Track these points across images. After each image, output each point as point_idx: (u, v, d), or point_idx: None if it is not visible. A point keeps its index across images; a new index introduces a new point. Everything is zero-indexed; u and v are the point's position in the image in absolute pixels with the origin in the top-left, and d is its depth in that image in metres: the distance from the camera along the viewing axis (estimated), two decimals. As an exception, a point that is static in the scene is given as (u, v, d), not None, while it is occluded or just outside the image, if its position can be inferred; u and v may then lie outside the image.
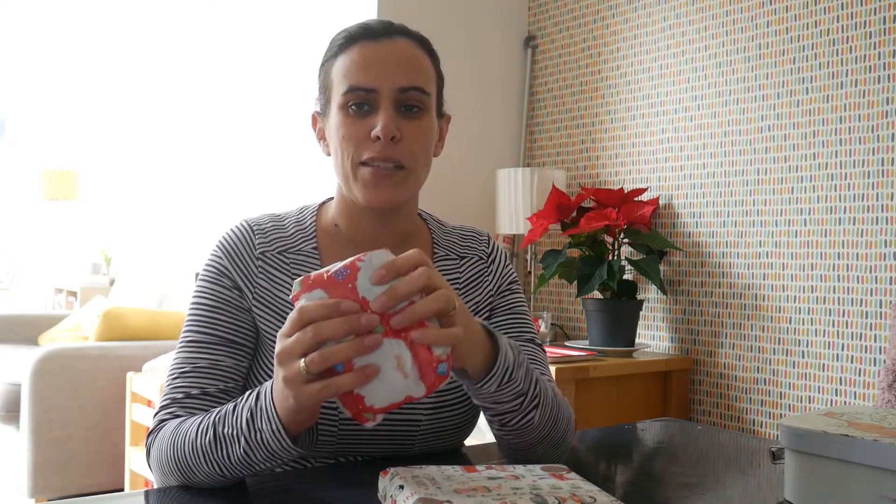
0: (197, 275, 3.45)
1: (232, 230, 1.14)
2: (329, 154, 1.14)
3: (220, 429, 0.93)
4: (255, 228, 1.14)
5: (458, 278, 1.19)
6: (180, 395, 1.05)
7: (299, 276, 1.12)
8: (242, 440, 0.91)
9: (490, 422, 1.04)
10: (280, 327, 1.10)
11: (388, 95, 1.06)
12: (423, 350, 0.81)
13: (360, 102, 1.07)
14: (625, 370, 2.55)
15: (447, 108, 1.20)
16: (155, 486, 1.04)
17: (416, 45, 1.11)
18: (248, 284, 1.11)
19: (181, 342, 1.09)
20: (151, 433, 1.05)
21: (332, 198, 1.19)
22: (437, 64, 1.15)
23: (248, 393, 0.94)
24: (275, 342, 1.09)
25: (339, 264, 0.82)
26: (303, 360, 0.80)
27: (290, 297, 0.81)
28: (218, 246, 1.13)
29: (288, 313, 1.10)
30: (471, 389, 0.97)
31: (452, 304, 0.83)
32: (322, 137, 1.16)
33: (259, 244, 1.12)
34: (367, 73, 1.07)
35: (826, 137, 2.39)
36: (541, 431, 1.03)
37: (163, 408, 1.06)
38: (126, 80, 5.43)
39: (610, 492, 0.84)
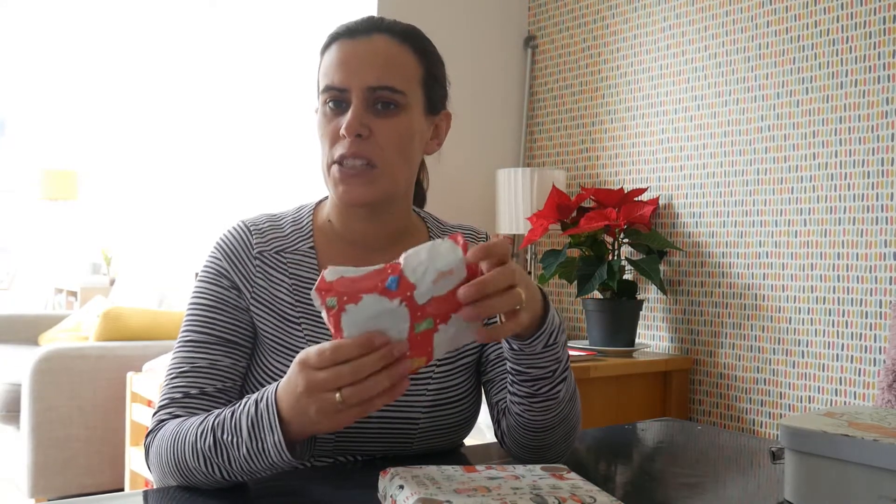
0: (197, 275, 3.45)
1: (229, 231, 1.15)
2: None
3: (220, 435, 0.93)
4: (252, 229, 1.14)
5: None
6: (179, 395, 1.05)
7: (296, 275, 1.12)
8: (244, 448, 0.91)
9: (515, 395, 1.03)
10: (277, 326, 1.10)
11: (358, 94, 1.06)
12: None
13: (336, 100, 1.08)
14: (625, 370, 2.55)
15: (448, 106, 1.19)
16: (154, 486, 1.04)
17: (397, 41, 1.09)
18: (246, 284, 1.11)
19: (179, 342, 1.09)
20: (150, 433, 1.05)
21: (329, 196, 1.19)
22: (428, 60, 1.13)
23: (244, 401, 0.93)
24: (272, 341, 1.10)
25: (375, 271, 0.83)
26: (338, 393, 0.82)
27: (318, 287, 0.82)
28: (216, 247, 1.14)
29: (285, 313, 1.10)
30: (515, 351, 0.98)
31: (521, 303, 0.87)
32: None
33: (256, 244, 1.13)
34: (339, 73, 1.07)
35: (826, 137, 2.39)
36: (562, 410, 1.04)
37: (161, 408, 1.06)
38: (126, 80, 5.43)
39: (610, 492, 0.84)
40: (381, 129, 1.07)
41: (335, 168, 1.08)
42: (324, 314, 0.83)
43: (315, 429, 0.87)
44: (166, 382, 1.07)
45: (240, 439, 0.91)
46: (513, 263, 0.87)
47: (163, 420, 1.04)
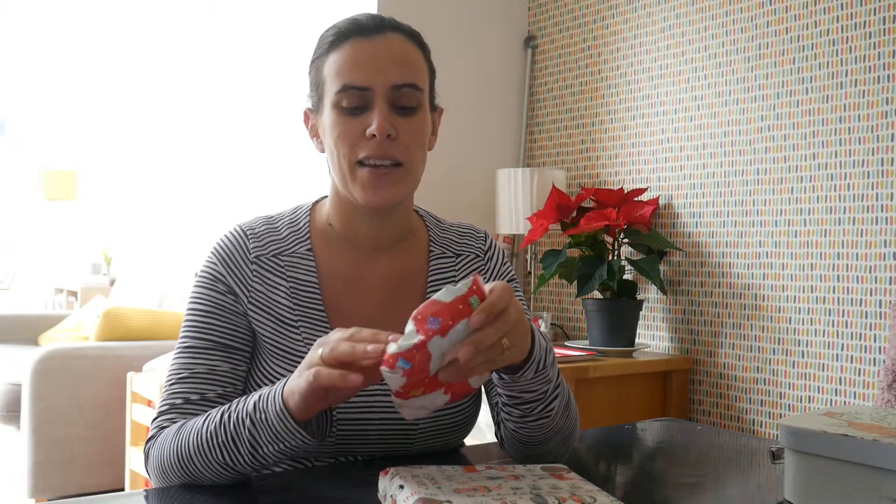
0: (196, 275, 3.44)
1: (226, 235, 1.14)
2: (322, 151, 1.13)
3: (227, 415, 0.95)
4: (248, 233, 1.13)
5: (454, 276, 1.19)
6: (179, 401, 1.05)
7: (294, 278, 1.12)
8: (248, 421, 0.92)
9: (509, 415, 1.03)
10: (276, 330, 1.10)
11: (382, 93, 1.05)
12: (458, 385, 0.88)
13: (354, 100, 1.06)
14: (625, 370, 2.55)
15: (445, 104, 1.19)
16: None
17: (407, 39, 1.10)
18: (243, 289, 1.10)
19: (178, 348, 1.08)
20: (150, 439, 1.05)
21: (326, 196, 1.18)
22: (429, 56, 1.14)
23: (258, 390, 0.96)
24: (271, 345, 1.10)
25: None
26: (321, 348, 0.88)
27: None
28: (212, 252, 1.13)
29: (283, 317, 1.10)
30: (505, 381, 0.97)
31: (502, 353, 0.86)
32: (315, 135, 1.15)
33: (253, 248, 1.12)
34: (360, 71, 1.06)
35: (826, 137, 2.39)
36: (557, 423, 1.04)
37: (161, 413, 1.05)
38: (126, 80, 5.43)
39: (610, 492, 0.84)
40: (404, 128, 1.07)
41: (363, 170, 1.06)
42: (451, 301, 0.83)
43: (294, 385, 0.89)
44: (166, 388, 1.07)
45: (245, 414, 0.93)
46: (504, 316, 0.84)
47: (163, 427, 1.04)
